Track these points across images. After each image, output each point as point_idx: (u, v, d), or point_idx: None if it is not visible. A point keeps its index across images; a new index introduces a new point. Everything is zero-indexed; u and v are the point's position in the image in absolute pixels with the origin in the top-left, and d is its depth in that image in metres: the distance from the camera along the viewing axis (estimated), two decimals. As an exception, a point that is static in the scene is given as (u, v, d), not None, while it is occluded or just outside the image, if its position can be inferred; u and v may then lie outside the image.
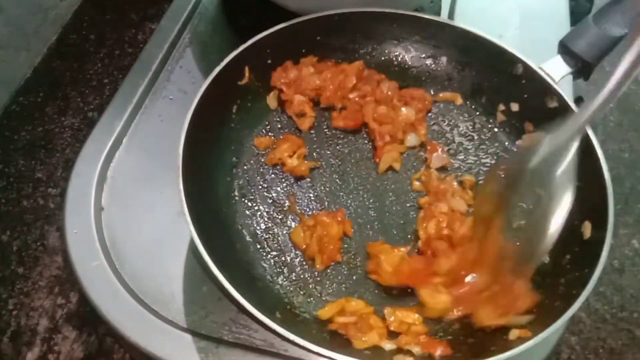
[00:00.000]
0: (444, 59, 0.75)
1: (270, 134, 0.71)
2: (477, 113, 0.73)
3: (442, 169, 0.69)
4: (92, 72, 0.91)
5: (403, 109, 0.71)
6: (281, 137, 0.70)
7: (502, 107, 0.72)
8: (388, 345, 0.54)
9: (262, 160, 0.69)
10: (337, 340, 0.55)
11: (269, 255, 0.62)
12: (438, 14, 0.86)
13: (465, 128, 0.73)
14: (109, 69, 0.91)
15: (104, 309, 0.59)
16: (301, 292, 0.60)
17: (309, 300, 0.59)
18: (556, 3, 0.89)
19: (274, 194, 0.67)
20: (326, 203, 0.66)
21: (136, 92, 0.76)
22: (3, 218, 0.76)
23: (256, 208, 0.65)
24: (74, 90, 0.89)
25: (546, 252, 0.54)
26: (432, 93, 0.75)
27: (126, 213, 0.67)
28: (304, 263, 0.62)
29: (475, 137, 0.72)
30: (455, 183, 0.66)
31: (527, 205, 0.54)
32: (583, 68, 0.66)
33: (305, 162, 0.68)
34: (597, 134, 0.62)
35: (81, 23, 0.97)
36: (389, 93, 0.71)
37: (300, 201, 0.67)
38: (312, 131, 0.72)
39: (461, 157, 0.70)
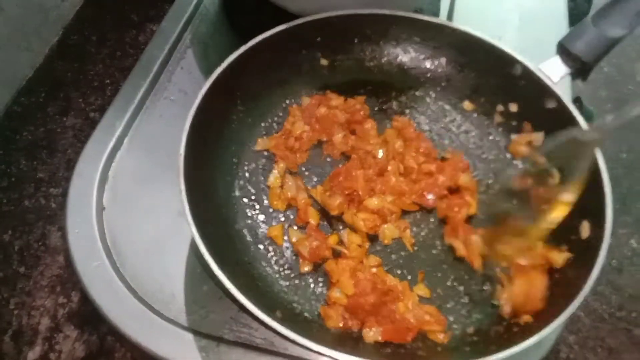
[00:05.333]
0: (443, 60, 0.75)
1: (269, 134, 0.71)
2: (476, 114, 0.74)
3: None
4: (93, 72, 0.91)
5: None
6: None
7: (500, 107, 0.72)
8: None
9: (263, 160, 0.69)
10: (338, 338, 0.56)
11: (270, 255, 0.62)
12: (437, 15, 0.87)
13: (465, 128, 0.73)
14: (110, 69, 0.91)
15: (105, 308, 0.59)
16: (301, 291, 0.60)
17: (309, 299, 0.60)
18: (555, 4, 0.90)
19: (274, 194, 0.67)
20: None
21: (137, 93, 0.76)
22: (5, 218, 0.76)
23: (257, 208, 0.66)
24: (75, 90, 0.89)
25: None
26: (432, 94, 0.75)
27: (127, 213, 0.67)
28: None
29: (475, 138, 0.72)
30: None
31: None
32: (581, 69, 0.66)
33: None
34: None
35: (82, 24, 0.97)
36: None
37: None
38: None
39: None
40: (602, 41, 0.65)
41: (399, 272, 0.62)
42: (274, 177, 0.67)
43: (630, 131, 0.89)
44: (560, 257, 0.60)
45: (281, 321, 0.50)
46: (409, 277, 0.62)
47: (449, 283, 0.62)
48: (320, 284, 0.61)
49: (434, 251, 0.64)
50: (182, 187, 0.55)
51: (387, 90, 0.76)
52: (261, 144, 0.70)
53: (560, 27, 0.86)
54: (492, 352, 0.50)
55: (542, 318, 0.53)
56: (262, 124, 0.72)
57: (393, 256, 0.63)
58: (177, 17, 0.85)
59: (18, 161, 0.81)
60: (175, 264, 0.64)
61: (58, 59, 0.93)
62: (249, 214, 0.65)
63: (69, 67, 0.92)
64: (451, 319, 0.59)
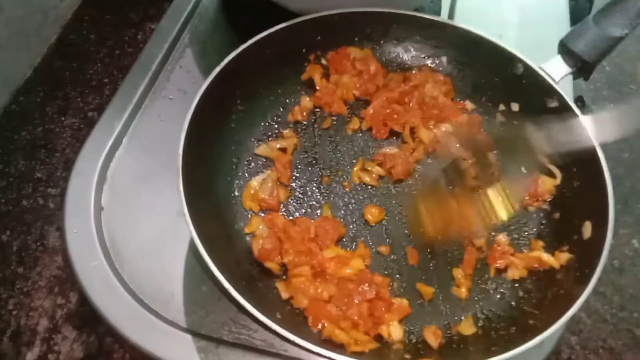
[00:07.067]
0: (444, 59, 0.75)
1: (269, 134, 0.71)
2: (477, 113, 0.73)
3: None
4: (92, 72, 0.91)
5: None
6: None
7: (502, 107, 0.72)
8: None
9: (263, 160, 0.69)
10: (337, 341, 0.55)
11: (269, 255, 0.62)
12: (438, 14, 0.86)
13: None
14: (109, 68, 0.91)
15: (104, 309, 0.59)
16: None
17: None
18: (556, 3, 0.89)
19: (274, 194, 0.67)
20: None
21: (136, 92, 0.76)
22: (3, 218, 0.76)
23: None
24: (74, 90, 0.89)
25: None
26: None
27: (126, 213, 0.67)
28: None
29: (475, 137, 0.72)
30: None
31: None
32: (583, 68, 0.66)
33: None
34: (597, 134, 0.62)
35: (81, 23, 0.97)
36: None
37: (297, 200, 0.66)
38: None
39: (461, 157, 0.70)
40: (603, 40, 0.64)
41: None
42: (257, 182, 0.66)
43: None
44: (561, 257, 0.59)
45: (281, 322, 0.49)
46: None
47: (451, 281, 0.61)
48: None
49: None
50: (181, 187, 0.55)
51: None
52: (263, 149, 0.69)
53: (561, 26, 0.86)
54: (493, 353, 0.50)
55: (544, 319, 0.53)
56: (262, 124, 0.71)
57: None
58: (176, 16, 0.85)
59: (16, 161, 0.81)
60: (174, 264, 0.63)
61: (57, 58, 0.92)
62: (248, 214, 0.65)
63: (68, 67, 0.91)
64: (455, 319, 0.59)
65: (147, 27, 0.96)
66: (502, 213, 0.60)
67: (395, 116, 0.71)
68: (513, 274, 0.61)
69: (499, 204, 0.60)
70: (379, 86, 0.73)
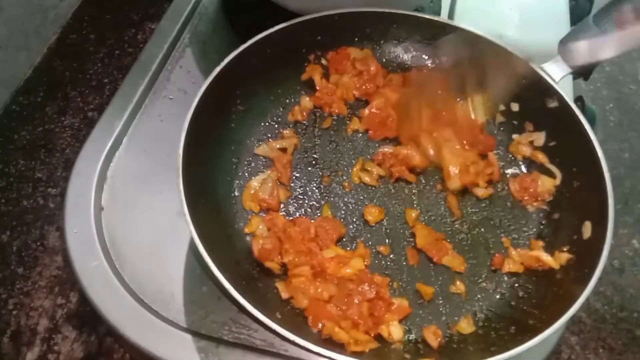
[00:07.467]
0: (444, 59, 0.75)
1: (269, 134, 0.71)
2: (477, 113, 0.73)
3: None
4: (92, 71, 0.91)
5: None
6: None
7: (502, 107, 0.72)
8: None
9: (263, 160, 0.69)
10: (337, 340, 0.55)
11: (269, 255, 0.62)
12: (438, 14, 0.86)
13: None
14: (108, 68, 0.91)
15: (104, 309, 0.59)
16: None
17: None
18: (556, 3, 0.89)
19: (274, 194, 0.67)
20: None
21: (136, 92, 0.75)
22: (3, 218, 0.76)
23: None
24: (74, 90, 0.89)
25: None
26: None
27: (126, 213, 0.67)
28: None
29: (475, 137, 0.72)
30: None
31: None
32: (583, 68, 0.66)
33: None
34: (597, 134, 0.62)
35: (81, 23, 0.97)
36: None
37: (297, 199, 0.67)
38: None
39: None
40: (603, 40, 0.64)
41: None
42: (257, 182, 0.66)
43: (632, 131, 0.89)
44: (561, 257, 0.59)
45: (281, 322, 0.49)
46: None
47: (449, 281, 0.61)
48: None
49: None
50: (181, 186, 0.55)
51: (387, 90, 0.75)
52: (263, 149, 0.69)
53: (561, 26, 0.86)
54: (493, 353, 0.50)
55: (544, 319, 0.53)
56: (262, 124, 0.71)
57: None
58: (176, 16, 0.85)
59: (16, 161, 0.81)
60: (174, 264, 0.63)
61: (56, 58, 0.93)
62: (248, 214, 0.65)
63: (68, 67, 0.91)
64: (455, 319, 0.59)
65: (147, 27, 0.96)
66: (481, 115, 0.69)
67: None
68: (509, 267, 0.61)
69: (480, 107, 0.69)
70: (379, 86, 0.73)
